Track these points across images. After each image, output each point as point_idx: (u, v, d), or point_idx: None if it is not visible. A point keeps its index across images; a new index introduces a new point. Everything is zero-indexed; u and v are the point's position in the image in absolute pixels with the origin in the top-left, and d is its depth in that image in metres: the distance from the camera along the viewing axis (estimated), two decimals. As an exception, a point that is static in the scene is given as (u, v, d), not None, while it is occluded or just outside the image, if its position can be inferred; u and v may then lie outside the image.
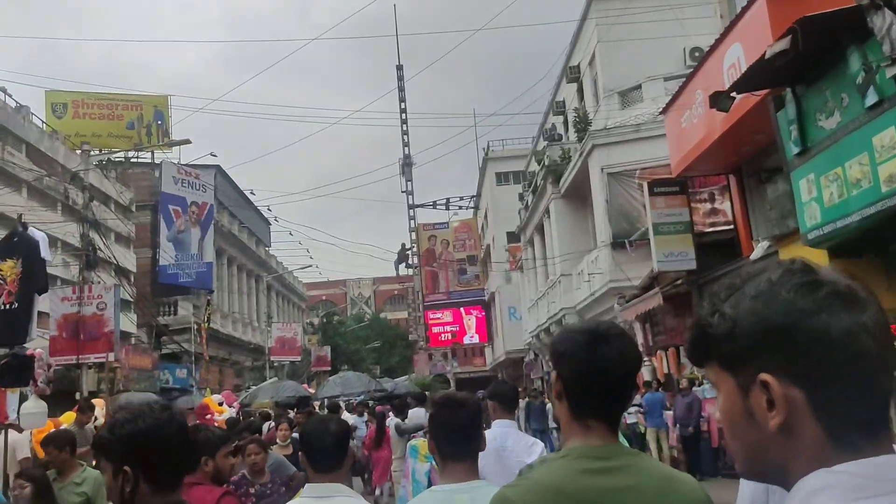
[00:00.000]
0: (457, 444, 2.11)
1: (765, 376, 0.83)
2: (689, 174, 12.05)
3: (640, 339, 17.78)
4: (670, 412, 12.13)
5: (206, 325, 24.37)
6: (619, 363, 1.49)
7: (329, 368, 37.17)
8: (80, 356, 14.70)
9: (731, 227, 14.36)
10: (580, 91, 23.59)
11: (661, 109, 12.65)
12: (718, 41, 9.94)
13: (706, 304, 0.92)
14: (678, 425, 11.35)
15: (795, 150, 7.82)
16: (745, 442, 0.88)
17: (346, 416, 12.12)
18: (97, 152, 30.43)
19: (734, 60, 9.48)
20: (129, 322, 26.22)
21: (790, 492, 0.84)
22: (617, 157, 18.58)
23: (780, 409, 0.83)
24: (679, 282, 11.88)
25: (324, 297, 68.31)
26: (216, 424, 14.97)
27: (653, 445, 12.07)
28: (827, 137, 7.35)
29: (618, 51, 20.17)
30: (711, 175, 12.53)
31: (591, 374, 1.47)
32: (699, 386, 12.07)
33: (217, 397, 19.67)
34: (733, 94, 8.20)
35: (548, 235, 25.05)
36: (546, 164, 23.45)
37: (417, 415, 11.28)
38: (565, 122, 26.31)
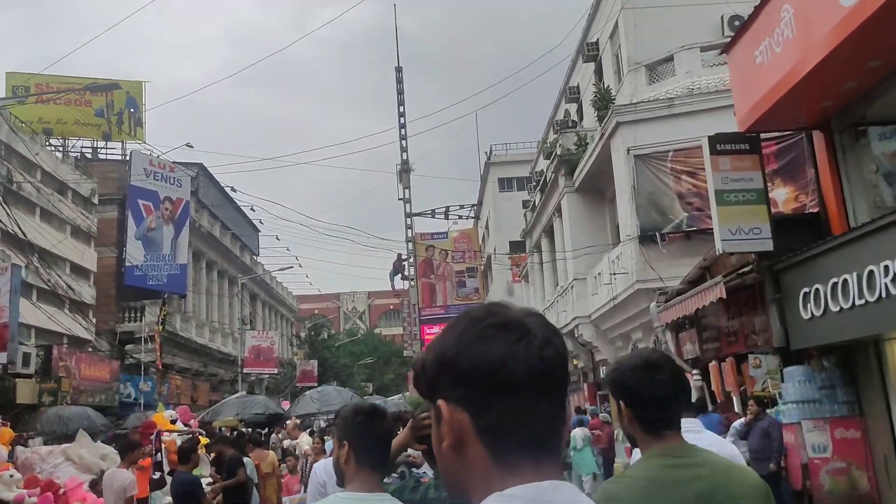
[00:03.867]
0: (377, 454, 2.16)
1: (439, 402, 0.89)
2: (761, 129, 9.26)
3: (672, 349, 14.93)
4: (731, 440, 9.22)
5: (161, 328, 21.38)
6: (671, 385, 1.91)
7: (315, 384, 34.13)
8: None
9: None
10: (598, 71, 20.91)
11: (723, 49, 9.90)
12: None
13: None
14: (752, 461, 8.42)
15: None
16: (441, 470, 0.93)
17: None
18: (60, 140, 27.78)
19: (851, -53, 6.75)
20: (87, 328, 23.29)
21: None
22: (645, 137, 15.83)
23: (448, 430, 0.88)
24: (747, 268, 9.04)
25: (316, 311, 65.31)
26: (163, 447, 11.93)
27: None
28: None
29: (644, 19, 17.55)
30: (790, 131, 9.73)
31: (651, 400, 1.89)
32: (772, 407, 9.22)
33: (171, 413, 16.77)
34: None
35: (558, 236, 22.25)
36: (558, 154, 20.72)
37: None
38: (580, 110, 23.64)
